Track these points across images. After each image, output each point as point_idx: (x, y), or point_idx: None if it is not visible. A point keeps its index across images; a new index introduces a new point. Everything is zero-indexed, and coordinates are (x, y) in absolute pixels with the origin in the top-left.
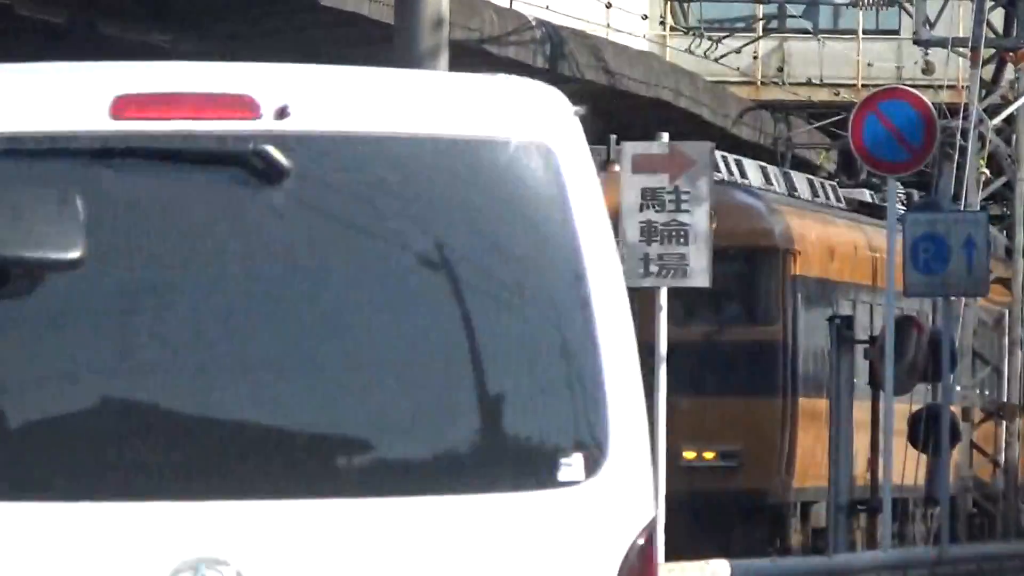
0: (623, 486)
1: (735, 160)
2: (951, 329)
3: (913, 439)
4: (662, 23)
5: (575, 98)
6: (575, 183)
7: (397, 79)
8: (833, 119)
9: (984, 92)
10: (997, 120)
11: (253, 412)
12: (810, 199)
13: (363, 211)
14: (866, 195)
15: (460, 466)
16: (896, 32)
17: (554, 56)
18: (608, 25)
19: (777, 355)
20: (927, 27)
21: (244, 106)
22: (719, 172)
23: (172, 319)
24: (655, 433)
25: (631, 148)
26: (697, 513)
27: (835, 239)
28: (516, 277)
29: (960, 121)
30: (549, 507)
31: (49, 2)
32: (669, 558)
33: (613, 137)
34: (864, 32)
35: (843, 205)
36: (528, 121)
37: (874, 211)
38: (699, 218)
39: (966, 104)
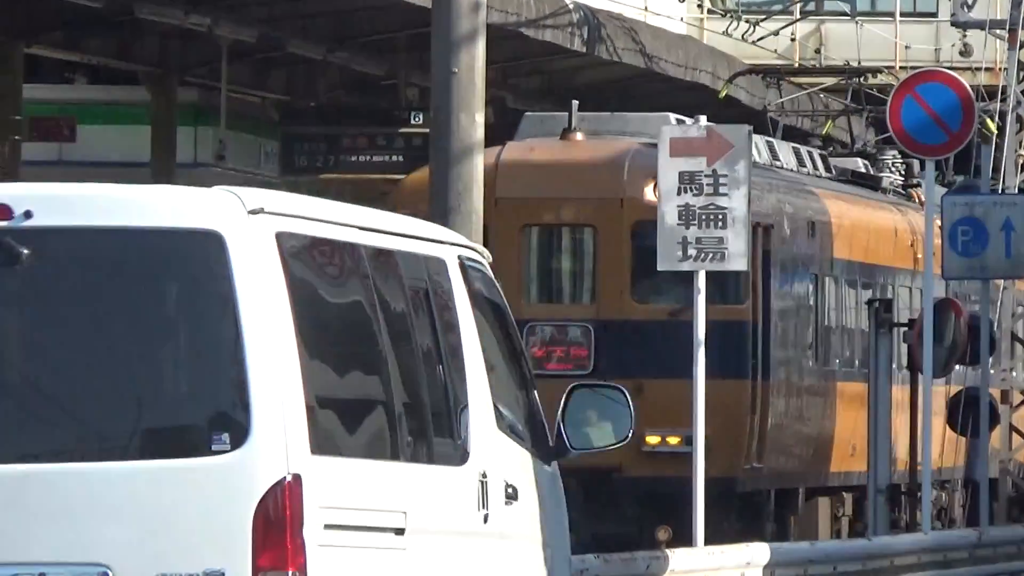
0: (259, 456)
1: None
2: (989, 312)
3: (952, 422)
4: (699, 6)
5: (612, 81)
6: (240, 262)
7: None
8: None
9: (1022, 74)
10: None
11: (4, 406)
12: (794, 169)
13: (84, 276)
14: (859, 164)
15: (143, 440)
16: (934, 14)
17: (591, 39)
18: (645, 8)
19: (746, 335)
20: (965, 9)
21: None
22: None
23: None
24: (695, 420)
25: (668, 132)
26: (662, 501)
27: (817, 212)
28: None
29: (998, 103)
30: (206, 469)
31: None
32: (629, 546)
33: (575, 103)
34: (902, 14)
35: (833, 175)
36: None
37: (867, 181)
38: (737, 202)
39: (1004, 86)
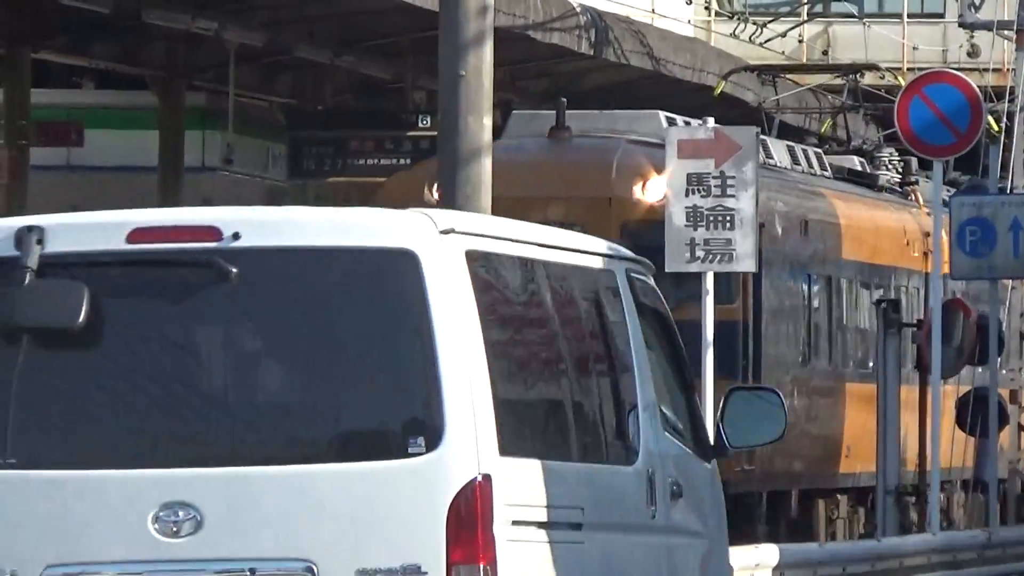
0: (452, 458)
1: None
2: (998, 312)
3: (961, 422)
4: (707, 8)
5: (619, 84)
6: (433, 278)
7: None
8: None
9: None
10: None
11: (218, 413)
12: (788, 167)
13: (287, 293)
14: (855, 162)
15: (344, 444)
16: (941, 15)
17: (599, 42)
18: (653, 11)
19: (737, 335)
20: (972, 10)
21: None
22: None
23: (160, 356)
24: (706, 417)
25: (676, 133)
26: None
27: (811, 211)
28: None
29: (1006, 104)
30: (402, 471)
31: None
32: None
33: (563, 101)
34: (909, 15)
35: (829, 173)
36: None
37: (863, 179)
38: (745, 203)
39: (1012, 87)
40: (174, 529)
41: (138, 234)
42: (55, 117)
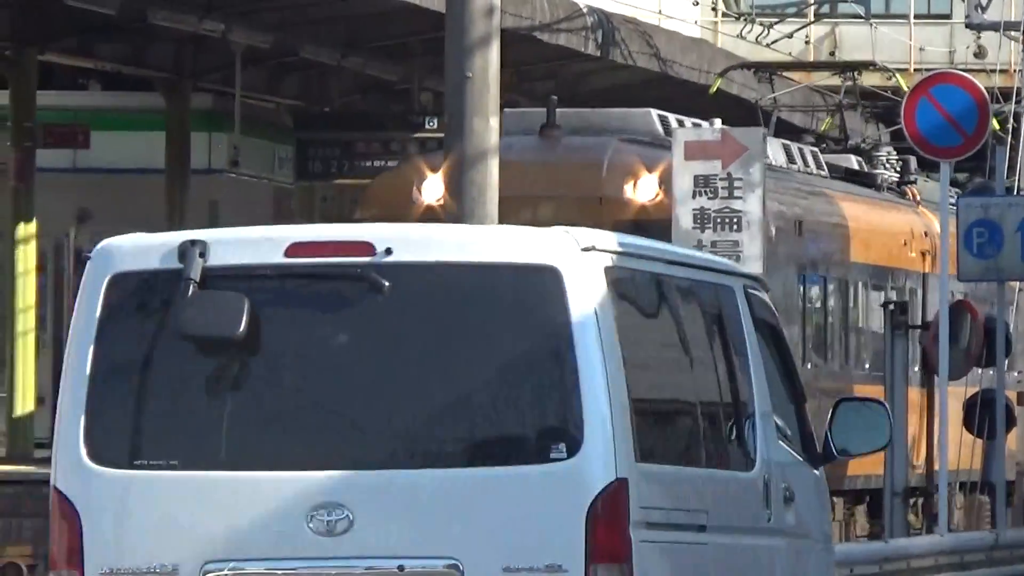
0: (591, 463)
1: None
2: (1005, 314)
3: (968, 424)
4: (714, 9)
5: (626, 85)
6: (574, 292)
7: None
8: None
9: None
10: None
11: (370, 418)
12: (783, 166)
13: (436, 305)
14: (852, 161)
15: (490, 449)
16: (948, 16)
17: (605, 43)
18: (659, 12)
19: None
20: (979, 11)
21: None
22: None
23: (317, 363)
24: None
25: (683, 135)
26: None
27: (805, 210)
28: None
29: (1013, 105)
30: (545, 475)
31: None
32: None
33: (553, 99)
34: (916, 16)
35: (825, 172)
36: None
37: (860, 178)
38: (752, 204)
39: (1019, 88)
40: (328, 528)
41: (296, 248)
42: (61, 119)
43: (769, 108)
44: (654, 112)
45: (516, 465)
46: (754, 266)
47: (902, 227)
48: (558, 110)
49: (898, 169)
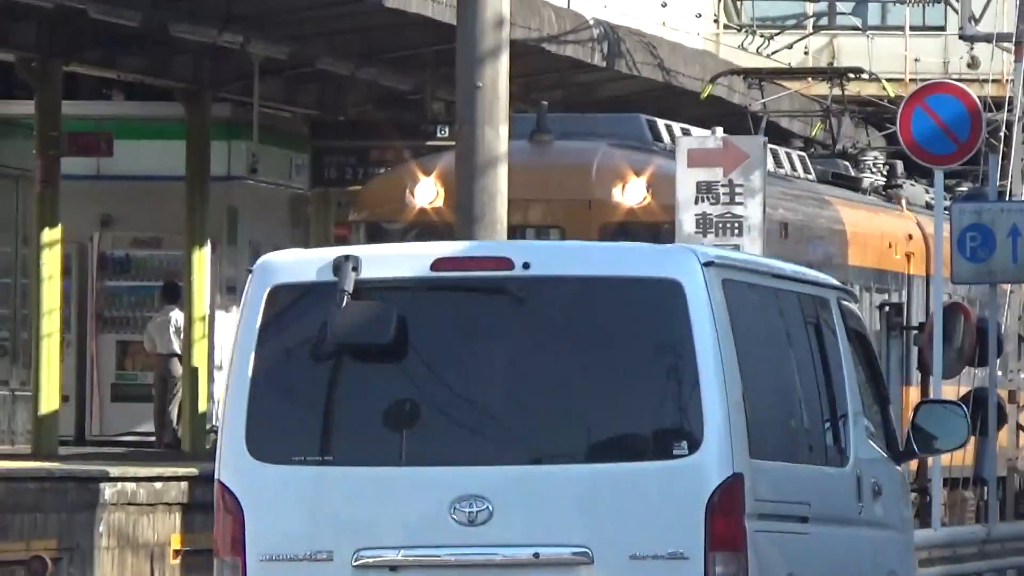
0: (711, 460)
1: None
2: (996, 315)
3: None
4: (716, 21)
5: (631, 94)
6: (695, 304)
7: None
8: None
9: None
10: None
11: (508, 418)
12: (771, 170)
13: (569, 315)
14: (840, 166)
15: (617, 446)
16: (942, 28)
17: (611, 54)
18: (663, 23)
19: None
20: (972, 23)
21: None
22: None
23: (467, 370)
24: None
25: (686, 143)
26: None
27: (790, 212)
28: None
29: (1005, 114)
30: (668, 470)
31: (122, 5)
32: None
33: (544, 104)
34: (911, 28)
35: (813, 176)
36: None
37: (847, 183)
38: (753, 210)
39: (1011, 97)
40: (469, 519)
41: (441, 263)
42: (86, 128)
43: (760, 113)
44: (642, 117)
45: (642, 461)
46: None
47: (889, 230)
48: (549, 115)
49: (885, 173)
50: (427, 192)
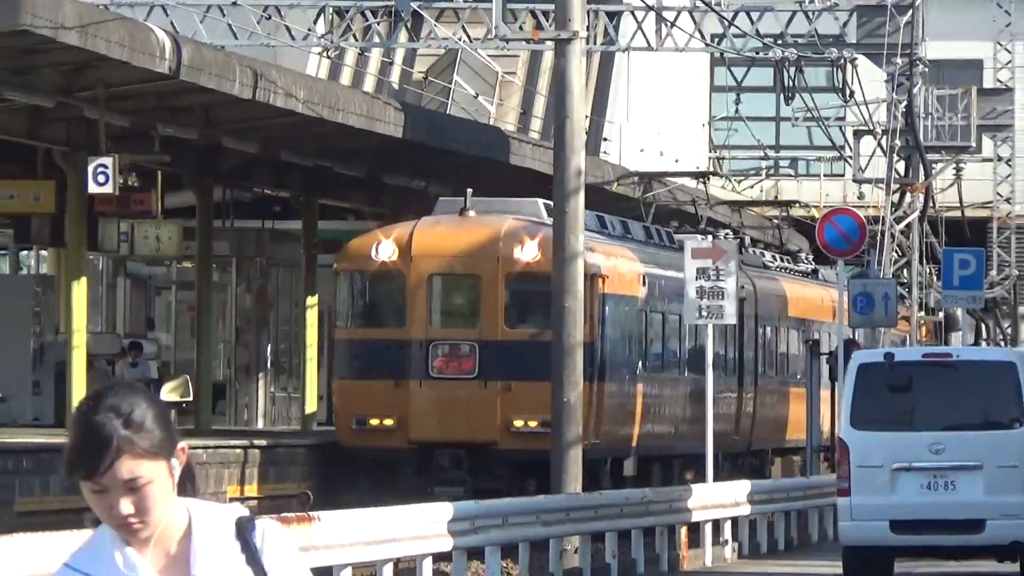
0: None
1: (597, 216)
2: (875, 346)
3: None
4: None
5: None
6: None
7: None
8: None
9: (894, 209)
10: (902, 225)
11: None
12: (643, 240)
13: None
14: (697, 238)
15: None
16: (842, 175)
17: (645, 191)
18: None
19: (585, 351)
20: (861, 171)
21: None
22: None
23: None
24: (705, 420)
25: (691, 243)
26: (525, 464)
27: (643, 269)
28: None
29: (881, 226)
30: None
31: (247, 137)
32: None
33: (469, 191)
34: (824, 175)
35: (676, 245)
36: None
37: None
38: (730, 284)
39: (883, 216)
40: None
41: (926, 354)
42: (332, 237)
43: (649, 201)
44: (540, 201)
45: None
46: (730, 319)
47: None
48: (473, 198)
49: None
50: (386, 250)
